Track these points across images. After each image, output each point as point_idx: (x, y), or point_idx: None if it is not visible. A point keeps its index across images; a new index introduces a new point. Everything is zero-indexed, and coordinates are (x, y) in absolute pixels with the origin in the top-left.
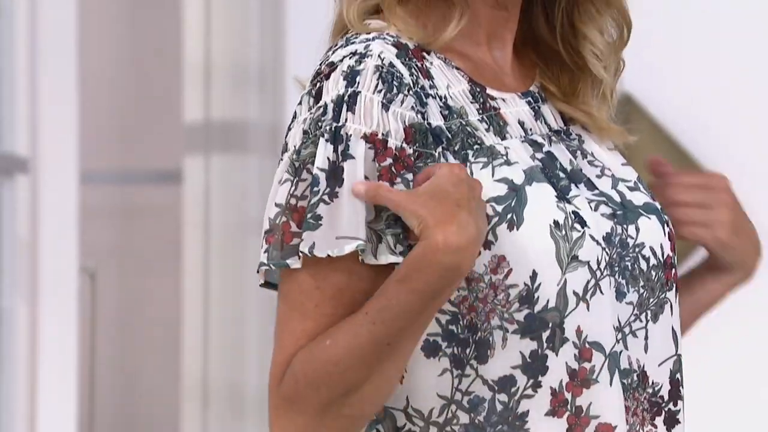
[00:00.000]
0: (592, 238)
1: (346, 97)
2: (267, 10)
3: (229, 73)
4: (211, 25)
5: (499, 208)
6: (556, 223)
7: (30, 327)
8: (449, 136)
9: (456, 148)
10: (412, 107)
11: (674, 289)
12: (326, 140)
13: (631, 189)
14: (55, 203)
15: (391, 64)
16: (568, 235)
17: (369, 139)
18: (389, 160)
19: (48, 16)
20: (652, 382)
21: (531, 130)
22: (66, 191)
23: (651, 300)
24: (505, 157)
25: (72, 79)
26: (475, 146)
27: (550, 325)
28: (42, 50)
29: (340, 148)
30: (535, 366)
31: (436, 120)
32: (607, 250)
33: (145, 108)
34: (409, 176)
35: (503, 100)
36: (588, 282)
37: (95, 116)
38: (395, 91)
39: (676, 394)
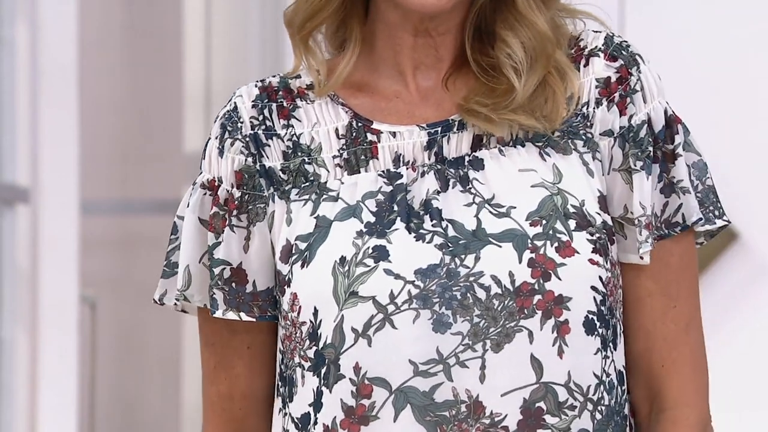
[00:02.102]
0: (389, 272)
1: (204, 145)
2: (267, 40)
3: None
4: (212, 56)
5: (302, 246)
6: (342, 259)
7: (30, 357)
8: (281, 176)
9: (285, 188)
10: (241, 151)
11: (540, 315)
12: (191, 189)
13: (498, 215)
14: (56, 233)
15: (235, 109)
16: (350, 270)
17: (209, 185)
18: (215, 208)
19: (49, 46)
20: (491, 413)
21: (409, 162)
22: (66, 221)
23: (492, 329)
24: (334, 194)
25: (73, 109)
26: (304, 184)
27: (326, 361)
28: (43, 81)
29: (188, 196)
30: (316, 403)
31: (272, 161)
32: (417, 282)
33: (145, 138)
34: (243, 219)
35: (393, 133)
36: (372, 317)
37: (96, 146)
38: (227, 136)
39: (533, 423)
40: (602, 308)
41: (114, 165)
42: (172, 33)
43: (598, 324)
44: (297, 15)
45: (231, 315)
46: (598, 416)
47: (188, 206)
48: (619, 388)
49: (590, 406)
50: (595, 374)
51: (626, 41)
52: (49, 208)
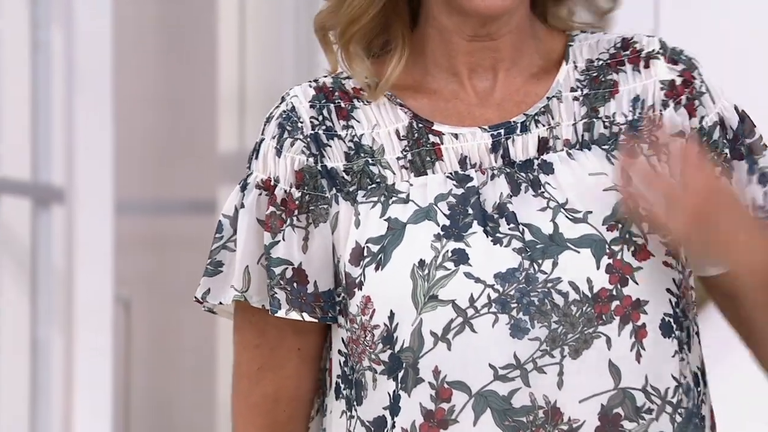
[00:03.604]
0: (469, 275)
1: (256, 145)
2: (301, 40)
3: (263, 103)
4: (246, 56)
5: (374, 248)
6: (421, 262)
7: (65, 356)
8: (344, 177)
9: (349, 189)
10: (302, 151)
11: (618, 321)
12: (240, 187)
13: (575, 220)
14: (90, 233)
15: (293, 109)
16: (431, 274)
17: (264, 185)
18: (272, 208)
19: (84, 48)
20: (569, 419)
21: (476, 164)
22: (101, 221)
23: (570, 336)
24: (403, 195)
25: (107, 110)
26: (371, 186)
27: (404, 365)
28: (78, 82)
29: (242, 196)
30: (393, 407)
31: (333, 161)
32: (496, 286)
33: (179, 139)
34: (302, 219)
35: (455, 135)
36: (451, 321)
37: (130, 147)
38: (286, 135)
39: (610, 429)
40: (677, 310)
41: (148, 165)
42: (207, 33)
43: (674, 326)
44: (334, 20)
45: (294, 315)
46: (678, 419)
47: (243, 207)
48: (695, 389)
49: (669, 409)
50: (673, 377)
51: (677, 46)
52: (84, 209)
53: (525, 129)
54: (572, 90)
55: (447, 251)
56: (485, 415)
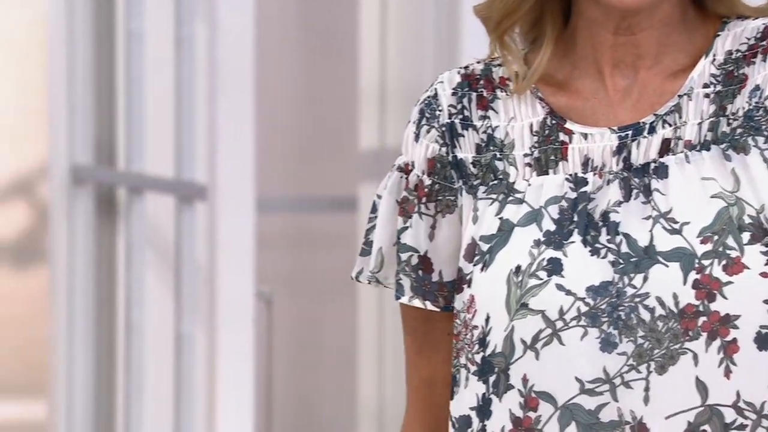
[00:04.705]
0: (560, 287)
1: (405, 129)
2: (442, 37)
3: (404, 100)
4: (387, 54)
5: (484, 248)
6: (517, 268)
7: (208, 351)
8: (470, 169)
9: (473, 183)
10: (436, 140)
11: (705, 337)
12: (392, 168)
13: (671, 231)
14: (233, 230)
15: (435, 95)
16: (524, 281)
17: (404, 168)
18: (405, 193)
19: (227, 46)
20: None
21: (597, 167)
22: (243, 218)
23: (656, 351)
24: (520, 195)
25: (249, 108)
26: (492, 182)
27: (496, 370)
28: (220, 80)
29: (389, 176)
30: (483, 410)
31: (464, 152)
32: (587, 300)
33: (321, 136)
34: (431, 207)
35: (584, 135)
36: (540, 331)
37: (272, 144)
38: (424, 122)
39: None
40: None
41: (290, 163)
42: (348, 32)
43: None
44: (491, 12)
45: (416, 302)
46: None
47: (386, 188)
48: None
49: (766, 423)
50: None
51: None
52: (226, 206)
53: (652, 130)
54: (705, 86)
55: (543, 259)
56: (570, 428)
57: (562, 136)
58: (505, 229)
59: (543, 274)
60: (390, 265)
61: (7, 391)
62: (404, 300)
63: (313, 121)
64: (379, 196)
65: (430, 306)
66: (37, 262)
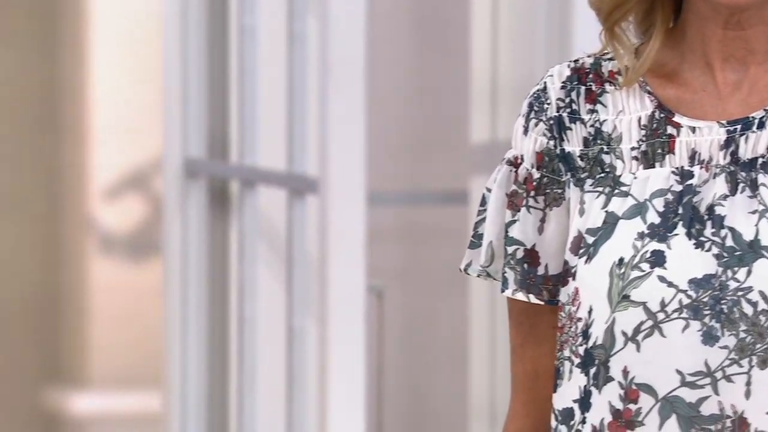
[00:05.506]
0: (662, 279)
1: (515, 122)
2: (554, 32)
3: (515, 94)
4: (498, 49)
5: (590, 240)
6: (620, 260)
7: (320, 345)
8: (578, 163)
9: (580, 176)
10: (544, 133)
11: None
12: (501, 162)
13: None
14: (343, 223)
15: (545, 89)
16: (626, 273)
17: (513, 162)
18: (514, 186)
19: (339, 40)
20: (755, 430)
21: (704, 160)
22: (354, 212)
23: (758, 345)
24: (626, 189)
25: (360, 101)
26: (599, 175)
27: (596, 362)
28: (331, 74)
29: (499, 170)
30: (584, 402)
31: (571, 146)
32: (690, 292)
33: (432, 130)
34: (540, 200)
35: (692, 128)
36: (641, 323)
37: (383, 138)
38: (533, 115)
39: None
40: None
41: (400, 157)
42: (460, 25)
43: None
44: (603, 3)
45: (520, 296)
46: None
47: (495, 181)
48: None
49: None
50: None
51: None
52: (337, 199)
53: (761, 125)
54: None
55: (647, 251)
56: (670, 420)
57: (670, 130)
58: (610, 222)
59: (645, 266)
60: (500, 258)
61: (123, 382)
62: (508, 293)
63: (424, 115)
64: (489, 190)
65: (533, 299)
66: (152, 254)
